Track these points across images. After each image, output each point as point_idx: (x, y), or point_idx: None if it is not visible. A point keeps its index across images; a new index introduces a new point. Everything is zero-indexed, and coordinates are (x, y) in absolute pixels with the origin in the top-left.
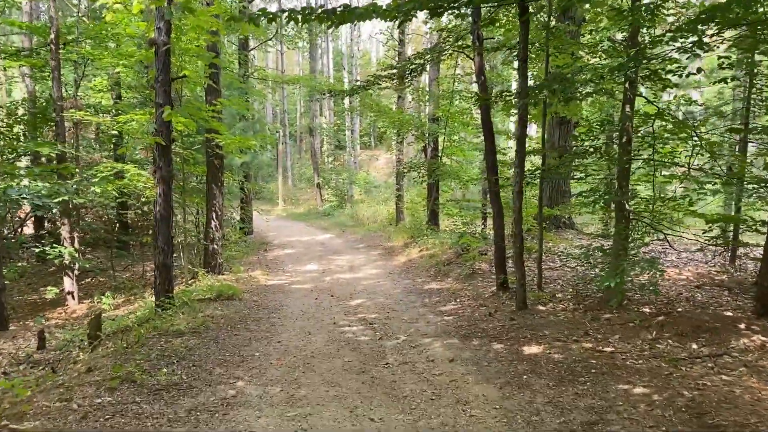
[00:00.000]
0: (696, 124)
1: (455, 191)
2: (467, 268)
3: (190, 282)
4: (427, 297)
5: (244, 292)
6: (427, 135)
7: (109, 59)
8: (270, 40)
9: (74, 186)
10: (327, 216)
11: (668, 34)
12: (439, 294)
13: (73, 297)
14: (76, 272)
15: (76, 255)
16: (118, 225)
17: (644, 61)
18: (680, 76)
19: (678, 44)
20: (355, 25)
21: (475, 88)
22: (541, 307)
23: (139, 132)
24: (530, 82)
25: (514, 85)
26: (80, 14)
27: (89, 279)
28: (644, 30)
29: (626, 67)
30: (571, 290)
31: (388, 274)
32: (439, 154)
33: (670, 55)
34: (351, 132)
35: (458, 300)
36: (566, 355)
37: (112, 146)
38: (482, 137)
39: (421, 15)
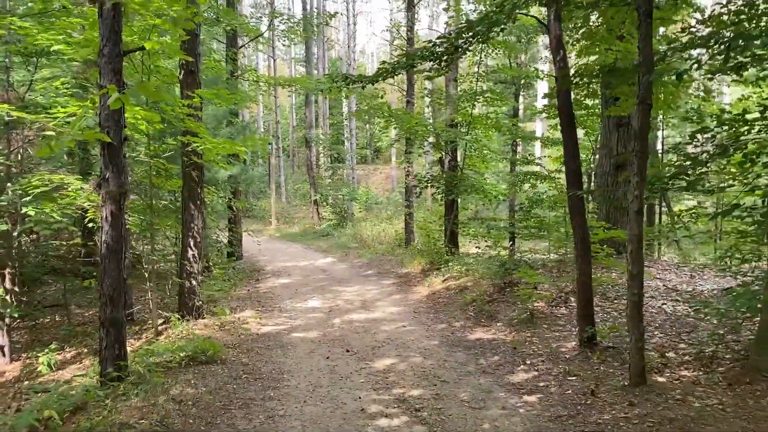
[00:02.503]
0: None
1: (479, 208)
2: (520, 309)
3: (160, 329)
4: (481, 355)
5: (230, 347)
6: (445, 143)
7: (45, 36)
8: (261, 35)
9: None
10: (326, 236)
11: None
12: (495, 350)
13: (2, 353)
14: (7, 319)
15: (6, 299)
16: (83, 252)
17: None
18: None
19: None
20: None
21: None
22: (659, 378)
23: (76, 127)
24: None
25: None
26: None
27: (33, 324)
28: None
29: None
30: (683, 345)
31: (413, 313)
32: (460, 166)
33: None
34: (350, 144)
35: (529, 362)
36: None
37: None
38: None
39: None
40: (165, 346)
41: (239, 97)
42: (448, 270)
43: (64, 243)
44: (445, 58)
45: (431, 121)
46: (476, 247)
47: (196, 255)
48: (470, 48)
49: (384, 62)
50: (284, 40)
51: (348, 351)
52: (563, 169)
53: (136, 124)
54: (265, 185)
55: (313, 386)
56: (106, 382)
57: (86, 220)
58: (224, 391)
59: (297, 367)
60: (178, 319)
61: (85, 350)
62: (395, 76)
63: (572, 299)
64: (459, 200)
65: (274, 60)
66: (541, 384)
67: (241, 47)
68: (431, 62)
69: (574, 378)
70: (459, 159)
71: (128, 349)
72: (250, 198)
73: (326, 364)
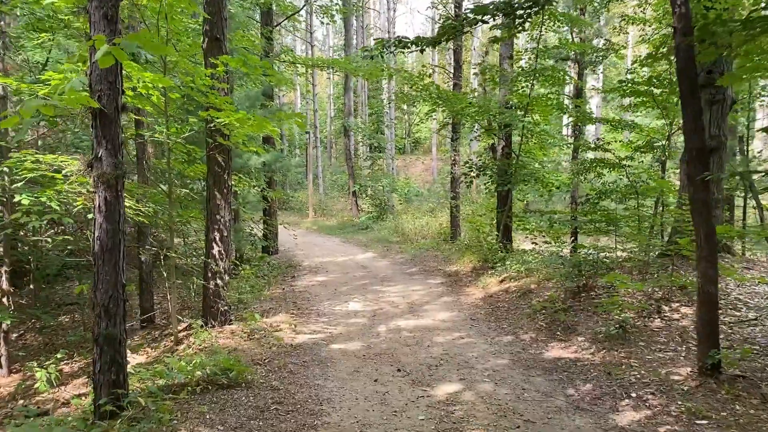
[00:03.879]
0: None
1: (529, 200)
2: (604, 320)
3: (180, 337)
4: (568, 382)
5: (258, 362)
6: (499, 127)
7: None
8: (298, 12)
9: None
10: (365, 230)
11: None
12: (585, 374)
13: None
14: (4, 325)
15: (3, 302)
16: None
17: None
18: None
19: None
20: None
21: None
22: None
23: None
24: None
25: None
26: None
27: (51, 325)
28: None
29: None
30: None
31: (470, 321)
32: (515, 153)
33: None
34: (390, 132)
35: (635, 395)
36: None
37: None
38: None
39: None
40: (179, 363)
41: (272, 72)
42: (504, 269)
43: (49, 239)
44: (523, 11)
45: (486, 102)
46: (533, 243)
47: (222, 252)
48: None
49: (447, 19)
50: (322, 17)
51: (399, 370)
52: (635, 156)
53: (147, 94)
54: (302, 176)
55: (360, 425)
56: (95, 421)
57: (76, 209)
58: (246, 430)
59: (339, 393)
60: (201, 325)
61: (142, 340)
62: (460, 36)
63: (666, 309)
64: (513, 191)
65: (312, 46)
66: (662, 430)
67: (276, 26)
68: (504, 18)
69: (705, 421)
70: (514, 145)
71: (142, 358)
72: (287, 189)
73: (374, 389)
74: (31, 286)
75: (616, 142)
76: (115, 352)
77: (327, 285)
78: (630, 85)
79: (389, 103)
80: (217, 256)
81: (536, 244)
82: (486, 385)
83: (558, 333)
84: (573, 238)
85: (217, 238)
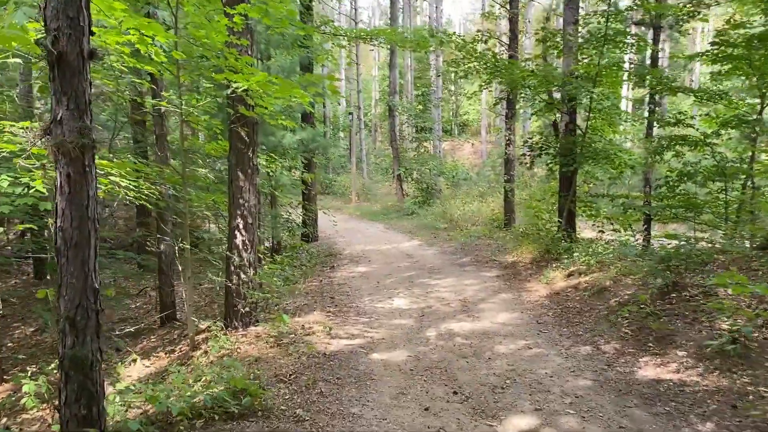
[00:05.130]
0: None
1: (591, 184)
2: (709, 329)
3: (198, 341)
4: (679, 416)
5: (282, 379)
6: (563, 101)
7: None
8: None
9: None
10: (410, 215)
11: None
12: (699, 407)
13: None
14: None
15: None
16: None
17: None
18: None
19: None
20: None
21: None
22: None
23: None
24: None
25: None
26: None
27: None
28: None
29: None
30: None
31: (537, 325)
32: (582, 130)
33: None
34: (437, 111)
35: None
36: None
37: None
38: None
39: None
40: (183, 381)
41: (309, 30)
42: (570, 261)
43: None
44: None
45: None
46: (599, 231)
47: (247, 242)
48: None
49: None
50: None
51: (456, 393)
52: (722, 132)
53: (148, 53)
54: (346, 159)
55: None
56: None
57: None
58: None
59: (380, 427)
60: (222, 328)
61: (159, 341)
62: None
63: None
64: (578, 173)
65: (356, 23)
66: None
67: None
68: None
69: None
70: (580, 121)
71: (151, 368)
72: (330, 173)
73: (425, 423)
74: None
75: (699, 116)
76: (86, 378)
77: (369, 277)
78: (722, 47)
79: (437, 79)
80: (240, 247)
81: (603, 232)
82: (570, 420)
83: (650, 344)
84: (646, 226)
85: (241, 226)
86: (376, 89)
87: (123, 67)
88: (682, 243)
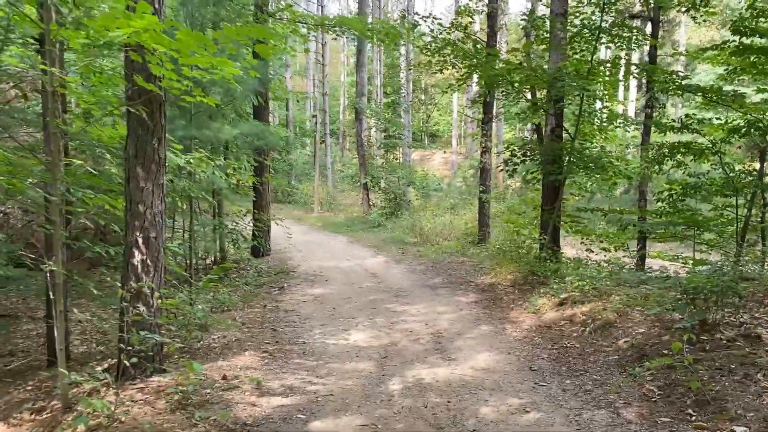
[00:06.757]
0: None
1: (578, 197)
2: (755, 386)
3: (70, 401)
4: None
5: None
6: (548, 102)
7: None
8: None
9: None
10: (377, 228)
11: None
12: None
13: None
14: None
15: None
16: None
17: None
18: None
19: None
20: None
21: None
22: None
23: None
24: None
25: None
26: None
27: None
28: None
29: None
30: None
31: (530, 373)
32: (571, 135)
33: None
34: (407, 117)
35: None
36: None
37: None
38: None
39: None
40: None
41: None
42: (562, 286)
43: None
44: None
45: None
46: (586, 249)
47: (148, 261)
48: None
49: None
50: None
51: None
52: (732, 139)
53: None
54: (309, 166)
55: None
56: None
57: None
58: None
59: None
60: (108, 380)
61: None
62: None
63: None
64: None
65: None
66: None
67: None
68: None
69: None
70: (567, 125)
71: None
72: (293, 180)
73: None
74: None
75: (705, 121)
76: None
77: (324, 301)
78: (738, 40)
79: (407, 83)
80: (139, 269)
81: (591, 251)
82: None
83: (689, 411)
84: (640, 245)
85: (140, 241)
86: (345, 95)
87: None
88: (716, 270)
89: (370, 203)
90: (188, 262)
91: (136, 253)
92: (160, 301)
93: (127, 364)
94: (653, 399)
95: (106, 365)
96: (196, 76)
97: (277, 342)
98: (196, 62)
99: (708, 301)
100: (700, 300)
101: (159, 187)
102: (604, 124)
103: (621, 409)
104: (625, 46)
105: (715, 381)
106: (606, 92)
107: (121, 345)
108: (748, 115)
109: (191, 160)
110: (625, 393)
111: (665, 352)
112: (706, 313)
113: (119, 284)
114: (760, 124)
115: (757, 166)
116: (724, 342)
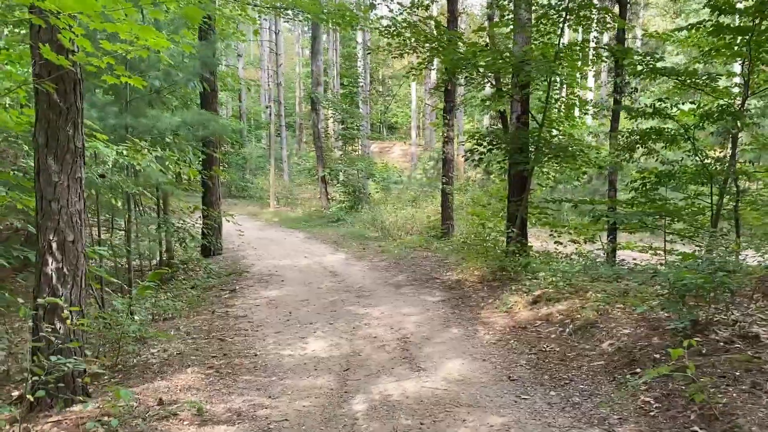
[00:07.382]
0: None
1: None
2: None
3: None
4: None
5: None
6: (514, 87)
7: None
8: None
9: None
10: (336, 222)
11: None
12: None
13: None
14: None
15: None
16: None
17: None
18: None
19: None
20: None
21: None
22: None
23: None
24: None
25: None
26: None
27: None
28: None
29: None
30: None
31: (509, 384)
32: (538, 122)
33: None
34: (365, 106)
35: None
36: None
37: None
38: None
39: None
40: None
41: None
42: (535, 283)
43: None
44: None
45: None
46: (555, 242)
47: (65, 270)
48: None
49: None
50: None
51: None
52: (704, 125)
53: None
54: (264, 160)
55: None
56: None
57: None
58: None
59: None
60: (20, 409)
61: None
62: None
63: None
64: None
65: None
66: None
67: None
68: None
69: None
70: (534, 112)
71: None
72: (247, 174)
73: None
74: None
75: (675, 107)
76: None
77: (279, 304)
78: (716, 18)
79: (364, 62)
80: (53, 279)
81: (560, 243)
82: None
83: (696, 428)
84: (611, 236)
85: (54, 246)
86: (301, 87)
87: None
88: (710, 263)
89: (329, 197)
90: (127, 265)
91: (50, 260)
92: (77, 319)
93: (31, 398)
94: (651, 413)
95: (20, 392)
96: (118, 50)
97: (224, 355)
98: (114, 29)
99: (700, 299)
100: (691, 297)
101: (76, 181)
102: (572, 111)
103: (616, 426)
104: (593, 29)
105: (720, 392)
106: (573, 76)
107: (33, 370)
108: (720, 100)
109: (123, 151)
110: (618, 406)
111: (657, 356)
112: (698, 311)
113: (22, 300)
114: (732, 109)
115: (727, 153)
116: (721, 344)
